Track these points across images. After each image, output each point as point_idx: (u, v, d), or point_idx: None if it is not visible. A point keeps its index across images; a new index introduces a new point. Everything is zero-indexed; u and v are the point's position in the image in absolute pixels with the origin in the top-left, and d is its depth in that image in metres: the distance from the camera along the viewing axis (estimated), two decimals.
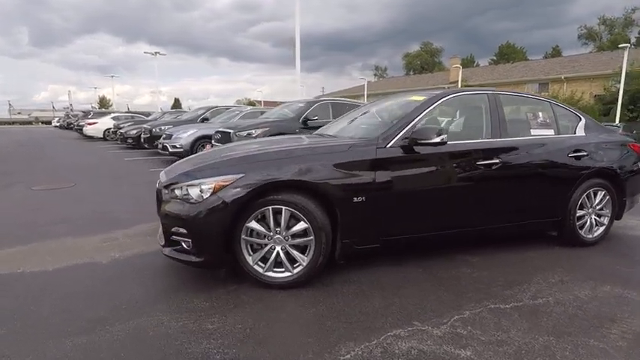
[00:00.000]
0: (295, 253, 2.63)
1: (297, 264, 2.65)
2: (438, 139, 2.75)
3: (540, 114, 3.66)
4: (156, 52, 32.87)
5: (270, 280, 2.64)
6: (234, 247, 2.56)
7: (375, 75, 62.14)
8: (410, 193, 2.89)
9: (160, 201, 2.76)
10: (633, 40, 39.68)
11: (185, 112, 16.20)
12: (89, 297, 2.57)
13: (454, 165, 3.07)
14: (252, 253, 2.65)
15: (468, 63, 48.33)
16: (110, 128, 17.83)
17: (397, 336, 2.14)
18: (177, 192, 2.63)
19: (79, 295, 2.60)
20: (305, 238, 2.62)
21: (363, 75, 49.56)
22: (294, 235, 2.62)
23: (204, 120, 12.34)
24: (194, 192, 2.53)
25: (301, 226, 2.60)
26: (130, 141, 13.98)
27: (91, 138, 18.55)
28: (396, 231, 2.94)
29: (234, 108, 13.08)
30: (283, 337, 2.14)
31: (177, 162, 3.25)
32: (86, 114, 23.84)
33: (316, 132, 4.13)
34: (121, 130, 15.23)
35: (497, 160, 3.15)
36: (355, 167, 2.73)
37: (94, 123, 18.71)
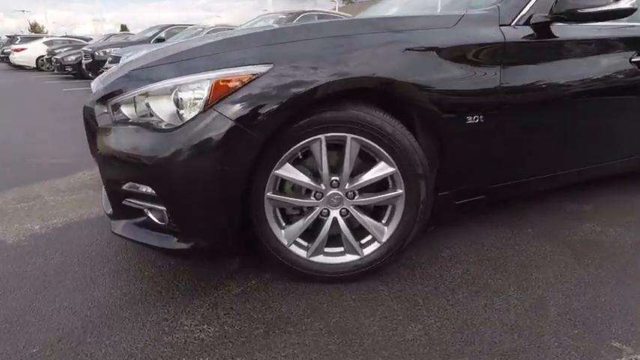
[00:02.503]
0: (366, 220, 1.43)
1: (369, 239, 1.47)
2: (624, 4, 1.48)
3: None
4: None
5: (320, 270, 1.44)
6: (250, 215, 1.32)
7: (344, 0, 57.43)
8: (541, 108, 1.68)
9: (92, 131, 1.40)
10: None
11: (133, 34, 13.62)
12: None
13: (615, 62, 1.84)
14: (284, 224, 1.42)
15: None
16: (44, 55, 14.93)
17: None
18: (126, 110, 1.28)
19: None
20: (387, 194, 1.40)
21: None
22: (365, 190, 1.40)
23: (160, 41, 10.18)
24: (164, 107, 1.20)
25: (381, 170, 1.36)
26: (68, 69, 11.62)
27: (22, 68, 15.63)
28: (510, 173, 1.78)
29: (195, 26, 10.92)
30: None
31: (122, 62, 1.81)
32: (12, 39, 19.97)
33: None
34: (56, 57, 12.63)
35: None
36: (470, 58, 1.46)
37: (23, 49, 15.64)
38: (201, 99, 1.14)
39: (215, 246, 1.28)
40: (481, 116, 1.48)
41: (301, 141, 1.27)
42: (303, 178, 1.33)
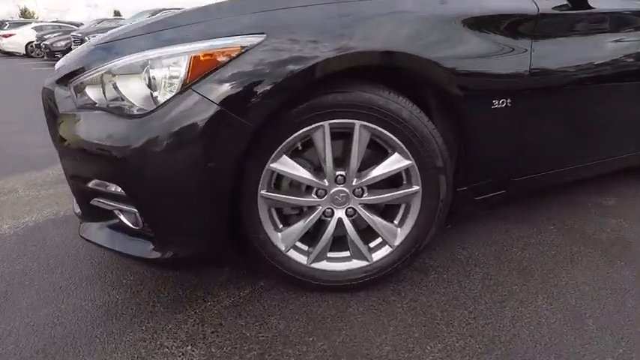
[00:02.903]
0: (376, 221, 1.23)
1: (378, 242, 1.27)
2: None
3: None
4: None
5: (323, 278, 1.25)
6: (241, 216, 1.12)
7: None
8: (575, 90, 1.48)
9: (52, 117, 1.18)
10: None
11: (125, 20, 13.20)
12: None
13: None
14: (281, 226, 1.23)
15: None
16: (33, 41, 14.50)
17: None
18: (92, 92, 1.06)
19: None
20: (401, 191, 1.21)
21: None
22: (374, 186, 1.20)
23: None
24: (134, 87, 0.98)
25: (395, 163, 1.15)
26: (58, 55, 11.27)
27: (11, 55, 15.19)
28: (536, 164, 1.58)
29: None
30: None
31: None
32: (0, 25, 19.41)
33: None
34: (45, 42, 12.26)
35: None
36: (498, 31, 1.25)
37: (11, 35, 15.18)
38: (177, 77, 0.93)
39: (199, 255, 1.08)
40: (509, 99, 1.28)
41: (301, 129, 1.06)
42: (302, 172, 1.13)
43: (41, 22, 18.45)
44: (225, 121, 0.93)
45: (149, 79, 0.95)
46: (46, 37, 13.04)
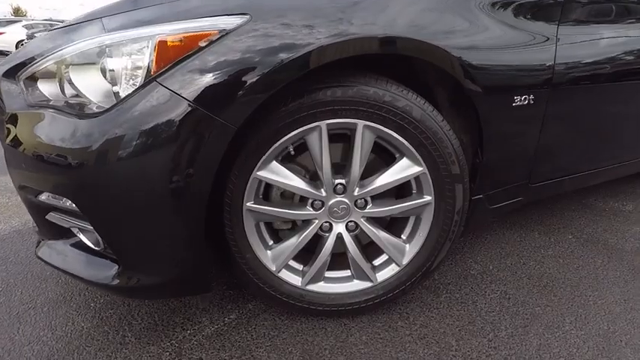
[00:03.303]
0: (382, 237, 1.06)
1: (384, 259, 1.11)
2: None
3: None
4: None
5: (320, 302, 1.08)
6: (223, 232, 0.95)
7: None
8: (607, 83, 1.31)
9: None
10: None
11: None
12: None
13: None
14: (271, 243, 1.06)
15: None
16: (23, 40, 14.22)
17: None
18: (46, 87, 0.88)
19: None
20: (410, 202, 1.04)
21: None
22: (379, 197, 1.03)
23: None
24: (91, 80, 0.81)
25: (403, 170, 0.98)
26: None
27: (3, 54, 14.90)
28: (558, 168, 1.42)
29: None
30: None
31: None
32: None
33: None
34: None
35: None
36: (520, 16, 1.08)
37: (1, 34, 14.88)
38: (141, 68, 0.76)
39: (170, 283, 0.91)
40: (531, 96, 1.12)
41: (293, 130, 0.89)
42: (295, 181, 0.96)
43: (32, 20, 18.15)
44: (199, 121, 0.76)
45: (106, 69, 0.78)
46: (36, 35, 12.77)
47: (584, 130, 1.36)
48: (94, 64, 0.81)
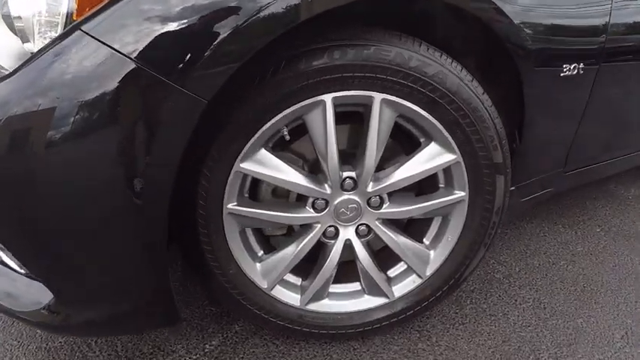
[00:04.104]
0: (401, 243, 0.84)
1: (402, 269, 0.89)
2: None
3: None
4: None
5: (324, 324, 0.87)
6: (196, 242, 0.72)
7: None
8: None
9: None
10: None
11: None
12: None
13: None
14: (261, 254, 0.83)
15: None
16: None
17: None
18: None
19: None
20: (439, 199, 0.81)
21: None
22: (397, 193, 0.81)
23: None
24: None
25: (432, 159, 0.75)
26: None
27: None
28: (597, 152, 1.22)
29: None
30: None
31: None
32: None
33: None
34: None
35: None
36: None
37: None
38: (59, 14, 0.51)
39: (120, 317, 0.67)
40: (581, 64, 0.90)
41: (287, 107, 0.66)
42: (291, 175, 0.73)
43: None
44: (148, 88, 0.52)
45: (11, 17, 0.53)
46: None
47: (628, 108, 1.16)
48: None
